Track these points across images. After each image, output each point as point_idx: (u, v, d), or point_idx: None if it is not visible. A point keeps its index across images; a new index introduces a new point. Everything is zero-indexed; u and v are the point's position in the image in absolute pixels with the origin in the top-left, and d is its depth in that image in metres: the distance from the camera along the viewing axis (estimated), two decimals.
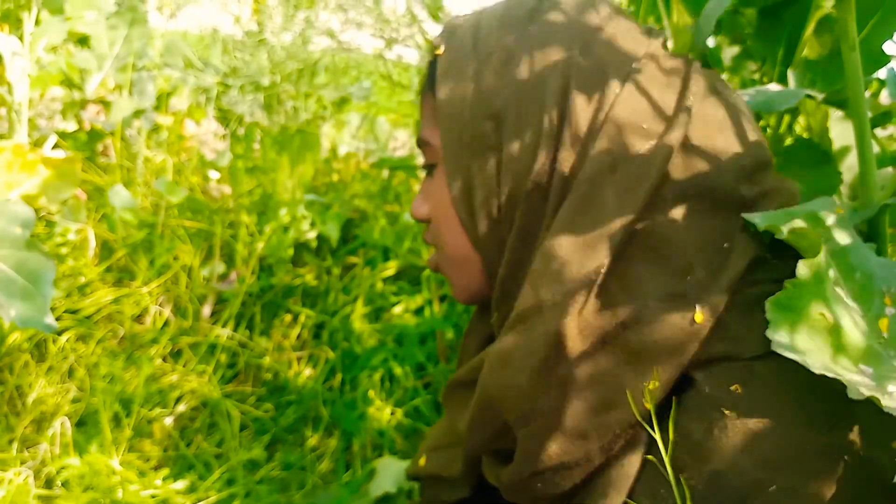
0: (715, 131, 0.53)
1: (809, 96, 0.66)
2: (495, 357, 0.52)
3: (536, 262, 0.51)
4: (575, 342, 0.47)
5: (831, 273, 0.43)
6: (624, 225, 0.49)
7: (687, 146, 0.51)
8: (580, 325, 0.47)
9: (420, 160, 0.64)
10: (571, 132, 0.52)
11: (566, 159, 0.52)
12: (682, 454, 0.45)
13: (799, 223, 0.44)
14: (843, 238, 0.47)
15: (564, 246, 0.49)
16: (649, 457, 0.47)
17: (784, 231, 0.44)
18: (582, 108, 0.52)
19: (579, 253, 0.48)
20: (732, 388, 0.44)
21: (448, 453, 0.69)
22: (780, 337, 0.40)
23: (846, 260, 0.45)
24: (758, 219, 0.47)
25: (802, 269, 0.42)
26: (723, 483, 0.42)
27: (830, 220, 0.48)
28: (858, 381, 0.38)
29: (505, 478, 0.54)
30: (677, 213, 0.49)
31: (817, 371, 0.38)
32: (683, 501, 0.43)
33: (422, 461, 0.72)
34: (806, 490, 0.40)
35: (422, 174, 0.67)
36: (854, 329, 0.41)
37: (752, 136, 0.54)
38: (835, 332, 0.40)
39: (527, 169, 0.53)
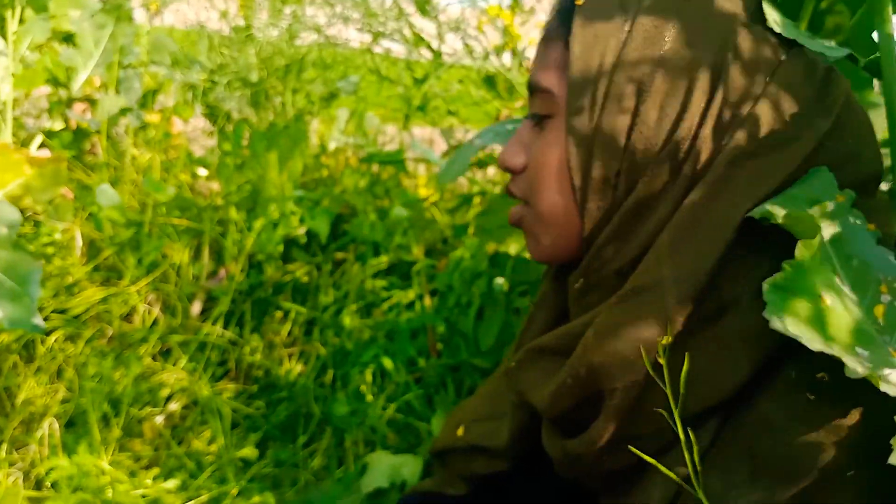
0: (855, 131, 0.53)
1: (852, 58, 0.65)
2: (604, 326, 0.51)
3: (665, 237, 0.50)
4: (678, 323, 0.48)
5: (829, 257, 0.44)
6: (744, 214, 0.49)
7: (826, 144, 0.51)
8: (688, 307, 0.48)
9: (532, 106, 0.61)
10: (717, 112, 0.51)
11: (707, 137, 0.51)
12: (760, 435, 0.46)
13: (796, 208, 0.45)
14: (842, 224, 0.48)
15: (694, 227, 0.50)
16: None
17: (779, 216, 0.45)
18: (733, 89, 0.51)
19: (705, 236, 0.49)
20: (819, 375, 0.45)
21: (492, 424, 0.70)
22: (776, 318, 0.40)
23: (844, 247, 0.46)
24: (762, 207, 0.47)
25: (800, 250, 0.42)
26: (799, 468, 0.43)
27: (830, 206, 0.48)
28: (855, 361, 0.39)
29: (573, 448, 0.54)
30: None
31: (815, 349, 0.39)
32: (754, 482, 0.44)
33: (460, 431, 0.72)
34: (883, 482, 0.41)
35: (524, 124, 0.64)
36: (849, 313, 0.41)
37: (877, 142, 0.55)
38: (830, 314, 0.41)
39: (662, 140, 0.52)
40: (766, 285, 0.41)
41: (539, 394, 0.57)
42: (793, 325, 0.40)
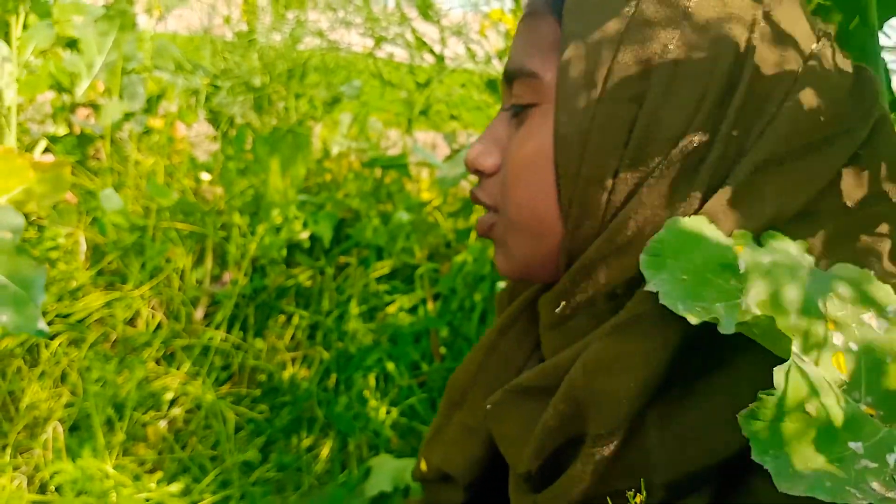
0: (891, 140, 0.46)
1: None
2: (595, 360, 0.43)
3: None
4: (684, 363, 0.41)
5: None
6: (766, 226, 0.42)
7: (862, 153, 0.44)
8: (697, 344, 0.41)
9: (510, 96, 0.51)
10: (740, 104, 0.43)
11: (727, 135, 0.43)
12: None
13: (749, 312, 0.36)
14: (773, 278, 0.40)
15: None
16: None
17: (729, 326, 0.36)
18: (761, 78, 0.43)
19: None
20: None
21: (449, 449, 0.61)
22: (772, 464, 0.32)
23: (780, 301, 0.38)
24: (675, 301, 0.38)
25: (779, 378, 0.34)
26: None
27: (757, 257, 0.40)
28: (865, 473, 0.31)
29: (544, 502, 0.46)
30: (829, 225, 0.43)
31: (837, 500, 0.30)
32: None
33: (423, 465, 0.64)
34: None
35: (500, 117, 0.53)
36: (827, 405, 0.34)
37: None
38: (817, 421, 0.33)
39: (673, 135, 0.44)
40: (741, 419, 0.33)
41: (516, 450, 0.49)
42: (798, 464, 0.32)
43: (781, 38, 0.44)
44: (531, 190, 0.48)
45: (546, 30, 0.49)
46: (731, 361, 0.41)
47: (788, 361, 0.34)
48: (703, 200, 0.43)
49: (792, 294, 0.38)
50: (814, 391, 0.34)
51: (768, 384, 0.33)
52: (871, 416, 0.34)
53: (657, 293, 0.38)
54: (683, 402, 0.42)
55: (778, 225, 0.43)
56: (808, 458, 0.32)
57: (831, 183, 0.44)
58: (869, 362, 0.36)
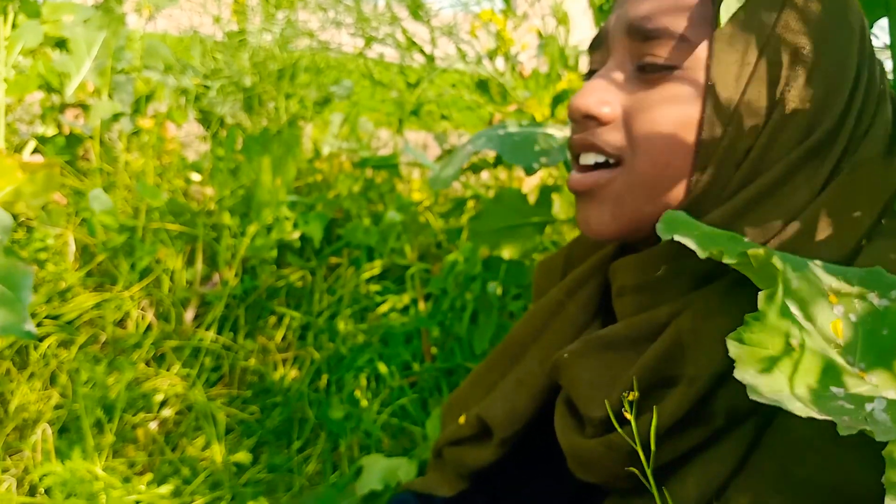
0: None
1: None
2: (705, 309, 0.47)
3: (799, 226, 0.47)
4: None
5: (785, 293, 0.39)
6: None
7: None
8: None
9: (636, 54, 0.52)
10: (860, 108, 0.49)
11: (850, 135, 0.49)
12: (797, 460, 0.42)
13: (754, 249, 0.40)
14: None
15: (826, 221, 0.47)
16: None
17: (733, 258, 0.41)
18: (870, 94, 0.50)
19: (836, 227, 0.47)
20: None
21: (489, 401, 0.63)
22: (750, 378, 0.35)
23: (789, 274, 0.41)
24: (692, 244, 0.42)
25: (763, 303, 0.37)
26: (842, 498, 0.40)
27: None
28: (840, 409, 0.35)
29: (625, 442, 0.47)
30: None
31: (802, 414, 0.34)
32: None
33: (462, 419, 0.65)
34: None
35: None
36: (814, 351, 0.37)
37: None
38: (799, 359, 0.37)
39: (807, 126, 0.48)
40: (729, 342, 0.37)
41: (595, 392, 0.51)
42: (769, 384, 0.36)
43: (874, 52, 0.51)
44: (671, 149, 0.50)
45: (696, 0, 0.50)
46: None
47: (776, 288, 0.38)
48: (821, 189, 0.48)
49: (788, 259, 0.41)
50: (798, 327, 0.37)
51: None
52: (862, 378, 0.37)
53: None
54: None
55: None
56: (783, 386, 0.35)
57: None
58: (866, 332, 0.39)
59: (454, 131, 1.86)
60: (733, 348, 0.36)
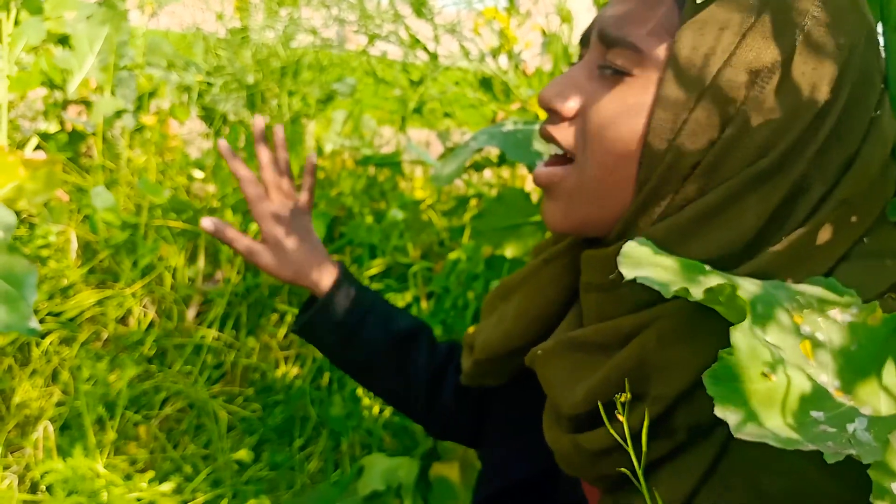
0: None
1: None
2: (671, 332, 0.46)
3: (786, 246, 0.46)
4: None
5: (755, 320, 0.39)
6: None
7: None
8: None
9: (599, 55, 0.52)
10: (825, 140, 0.47)
11: (809, 165, 0.47)
12: (766, 468, 0.42)
13: (719, 283, 0.39)
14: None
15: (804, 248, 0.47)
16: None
17: (700, 294, 0.39)
18: (847, 123, 0.47)
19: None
20: None
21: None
22: (733, 418, 0.35)
23: (756, 303, 0.41)
24: (655, 284, 0.41)
25: (737, 337, 0.37)
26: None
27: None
28: (823, 435, 0.34)
29: (590, 444, 0.49)
30: None
31: (789, 447, 0.34)
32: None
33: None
34: None
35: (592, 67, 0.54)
36: (791, 376, 0.37)
37: None
38: (778, 387, 0.36)
39: (757, 152, 0.47)
40: (706, 379, 0.36)
41: (565, 391, 0.52)
42: (750, 423, 0.35)
43: (872, 68, 0.48)
44: (617, 153, 0.50)
45: (661, 10, 0.50)
46: None
47: (745, 321, 0.37)
48: (773, 212, 0.46)
49: (751, 287, 0.41)
50: (771, 354, 0.37)
51: None
52: (840, 397, 0.37)
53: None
54: None
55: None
56: (766, 418, 0.35)
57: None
58: (835, 350, 0.39)
59: (457, 129, 1.86)
60: (711, 387, 0.35)
